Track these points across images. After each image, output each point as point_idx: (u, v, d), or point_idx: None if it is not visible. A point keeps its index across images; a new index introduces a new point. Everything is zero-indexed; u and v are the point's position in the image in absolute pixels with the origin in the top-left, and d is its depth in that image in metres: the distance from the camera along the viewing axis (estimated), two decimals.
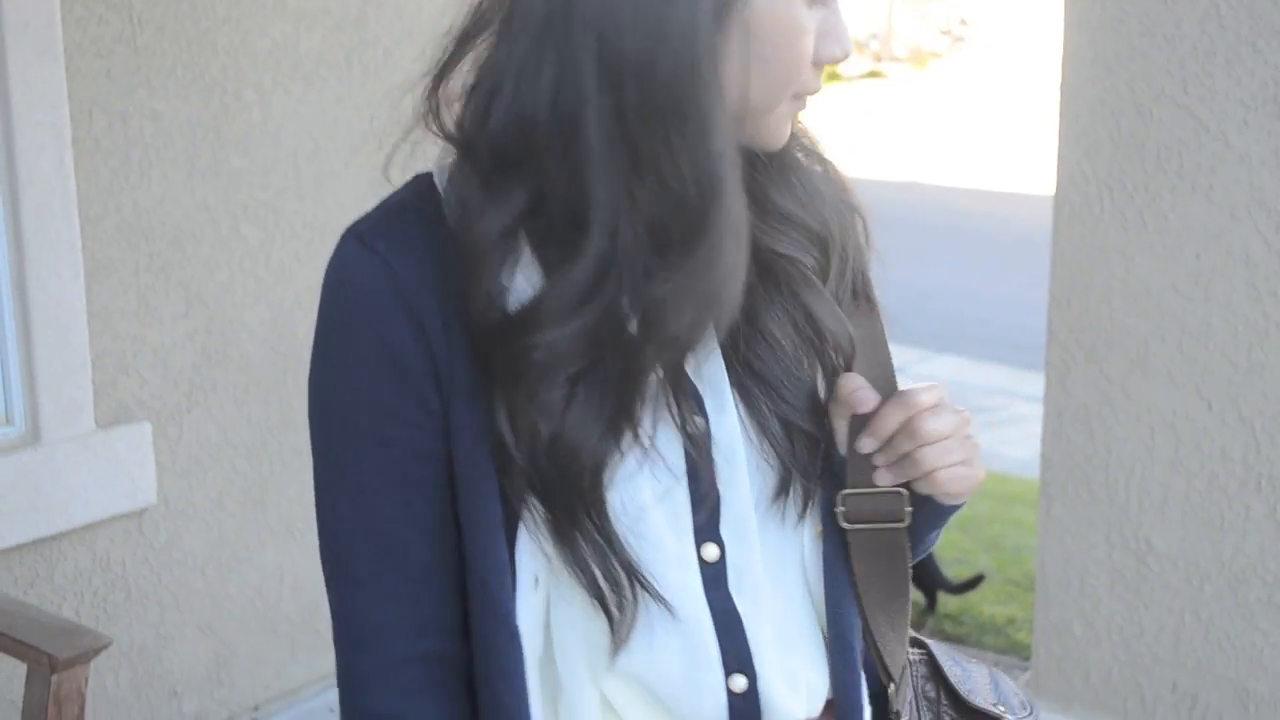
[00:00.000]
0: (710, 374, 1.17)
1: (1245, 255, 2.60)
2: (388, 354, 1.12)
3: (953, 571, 4.74)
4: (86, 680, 2.31)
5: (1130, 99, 2.69)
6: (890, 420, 1.15)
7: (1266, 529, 2.63)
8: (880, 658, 1.23)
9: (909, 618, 1.25)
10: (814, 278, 1.18)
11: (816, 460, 1.18)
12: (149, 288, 3.23)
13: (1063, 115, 2.79)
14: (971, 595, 4.76)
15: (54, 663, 2.25)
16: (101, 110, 3.09)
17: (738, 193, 1.07)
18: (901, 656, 1.24)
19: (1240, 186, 2.60)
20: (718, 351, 1.16)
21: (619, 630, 1.13)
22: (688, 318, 1.09)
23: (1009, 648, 4.51)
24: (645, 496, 1.13)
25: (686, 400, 1.15)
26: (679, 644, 1.15)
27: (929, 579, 4.69)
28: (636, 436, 1.12)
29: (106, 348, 3.16)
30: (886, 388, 1.19)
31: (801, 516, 1.18)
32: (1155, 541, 2.74)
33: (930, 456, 1.15)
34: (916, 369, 8.13)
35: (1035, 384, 5.84)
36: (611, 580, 1.12)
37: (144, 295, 3.22)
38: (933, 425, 1.14)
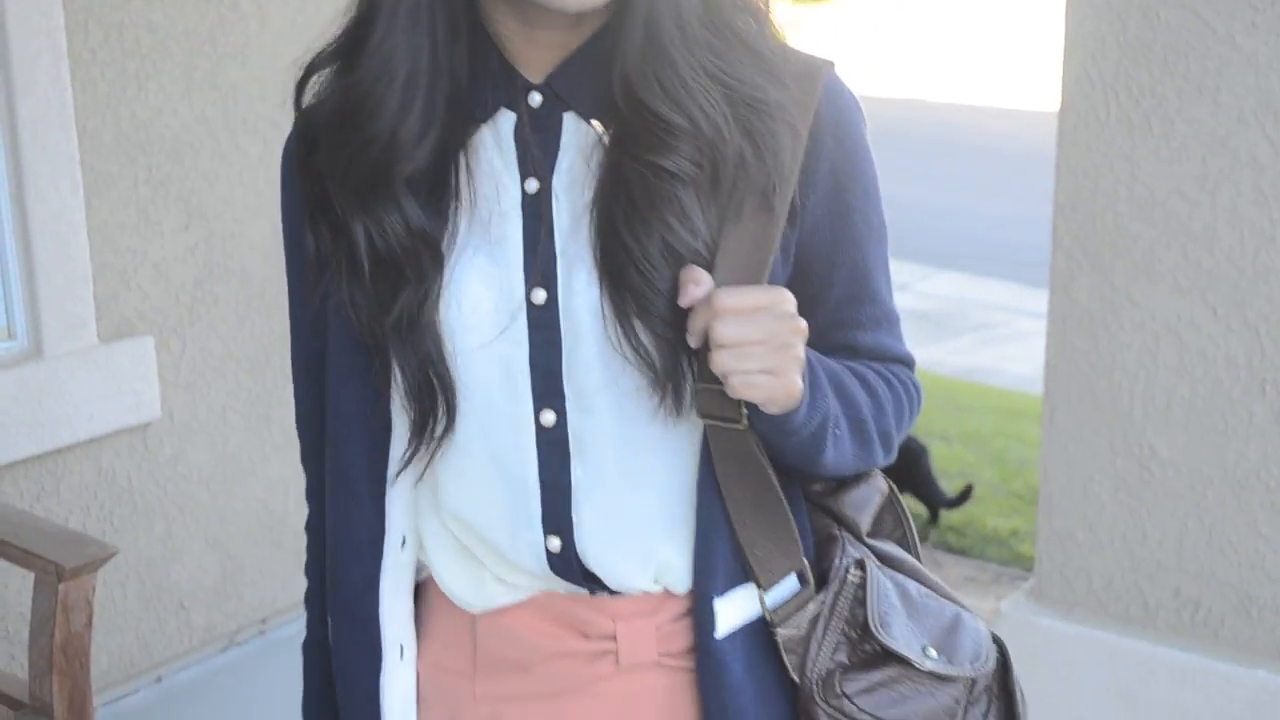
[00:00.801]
0: (571, 251, 1.20)
1: (1252, 159, 2.58)
2: (286, 219, 1.37)
3: (954, 486, 4.76)
4: (93, 589, 2.31)
5: (1136, 2, 2.66)
6: (700, 318, 1.14)
7: (1270, 434, 2.63)
8: (746, 560, 1.23)
9: (791, 530, 1.24)
10: (681, 191, 1.16)
11: (678, 358, 1.18)
12: (148, 201, 3.21)
13: (1068, 19, 2.76)
14: (974, 508, 4.78)
15: (60, 572, 2.26)
16: (97, 22, 3.06)
17: None
18: (782, 566, 1.24)
19: (1248, 89, 2.57)
20: (583, 236, 1.19)
21: (422, 453, 1.23)
22: None
23: (1012, 559, 4.53)
24: (470, 339, 1.21)
25: (536, 259, 1.20)
26: (504, 500, 1.23)
27: (929, 494, 4.72)
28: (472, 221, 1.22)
29: (107, 261, 3.15)
30: (752, 280, 1.17)
31: (679, 411, 1.20)
32: (1159, 448, 2.74)
33: (720, 359, 1.13)
34: (919, 286, 8.11)
35: (1038, 300, 5.83)
36: (426, 403, 1.21)
37: (144, 209, 3.20)
38: (728, 329, 1.12)
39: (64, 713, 2.29)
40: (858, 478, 1.33)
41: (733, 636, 1.24)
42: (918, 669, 1.23)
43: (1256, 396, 2.64)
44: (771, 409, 1.16)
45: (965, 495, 4.68)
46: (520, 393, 1.21)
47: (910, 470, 4.69)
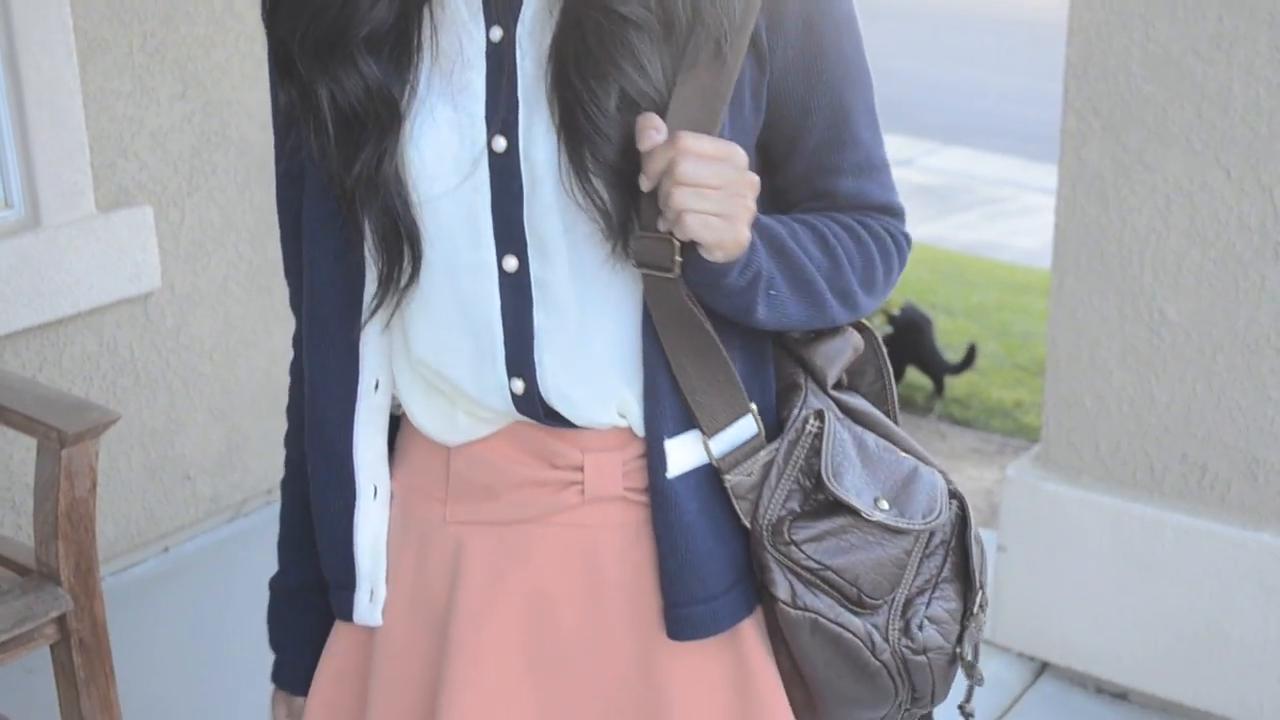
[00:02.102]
0: (532, 99, 1.21)
1: (1269, 16, 2.52)
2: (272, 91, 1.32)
3: (959, 358, 4.75)
4: (96, 455, 2.31)
5: None
6: (659, 159, 1.14)
7: None
8: (688, 406, 1.25)
9: (732, 377, 1.25)
10: (635, 37, 1.17)
11: (629, 207, 1.19)
12: (144, 68, 3.16)
13: None
14: (979, 380, 4.78)
15: (63, 437, 2.25)
16: None
17: None
18: (725, 413, 1.25)
19: None
20: (544, 84, 1.20)
21: (389, 301, 1.26)
22: None
23: (1016, 430, 4.54)
24: (435, 187, 1.23)
25: (499, 107, 1.21)
26: (469, 344, 1.26)
27: (933, 365, 4.71)
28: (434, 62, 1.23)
29: (104, 130, 3.11)
30: (705, 128, 1.17)
31: (629, 257, 1.21)
32: (1168, 312, 2.71)
33: (679, 196, 1.14)
34: (924, 161, 8.04)
35: (1045, 175, 5.76)
36: (392, 253, 1.24)
37: (139, 76, 3.15)
38: (689, 168, 1.13)
39: (70, 578, 2.30)
40: (832, 331, 1.34)
41: (685, 478, 1.26)
42: (866, 519, 1.25)
43: (1269, 260, 2.61)
44: (717, 255, 1.17)
45: (969, 359, 4.67)
46: (483, 239, 1.24)
47: (915, 342, 4.69)
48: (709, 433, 1.25)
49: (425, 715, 1.33)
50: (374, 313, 1.27)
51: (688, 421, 1.25)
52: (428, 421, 1.32)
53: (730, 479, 1.25)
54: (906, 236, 1.35)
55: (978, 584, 1.33)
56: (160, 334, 3.29)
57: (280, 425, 3.70)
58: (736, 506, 1.26)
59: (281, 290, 3.53)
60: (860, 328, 1.38)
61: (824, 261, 1.26)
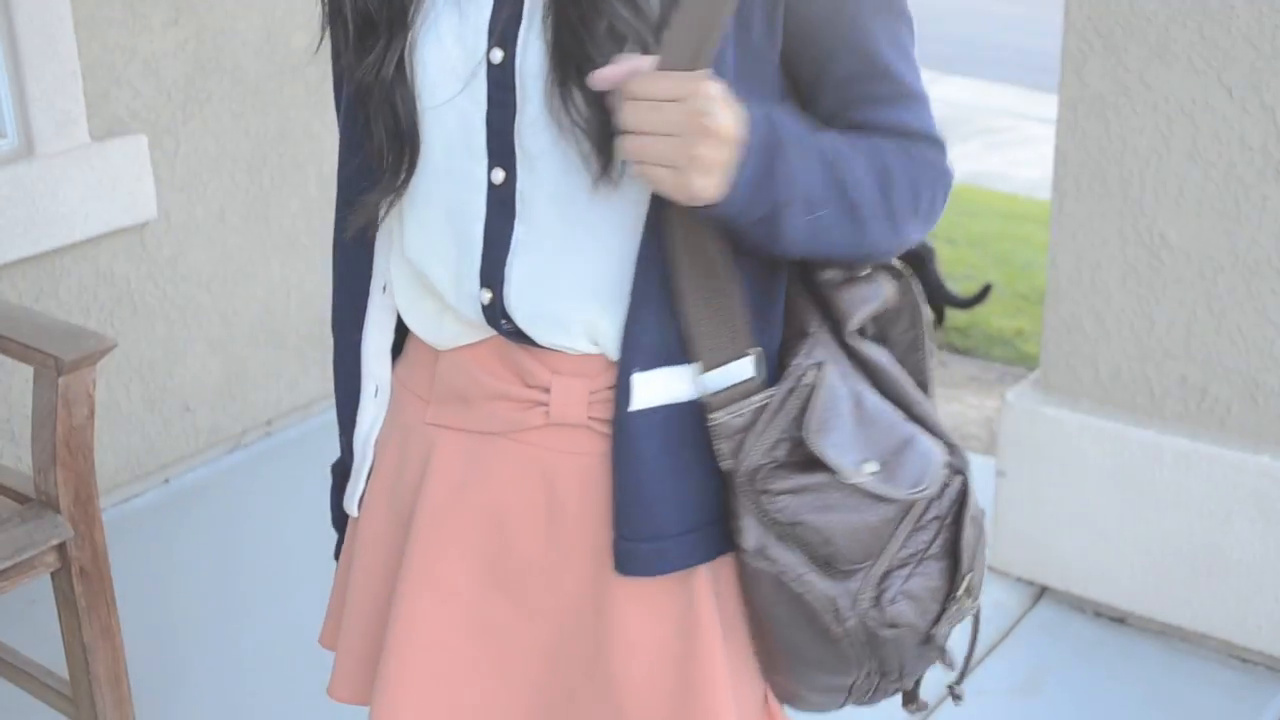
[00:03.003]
0: (533, 13, 1.21)
1: None
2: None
3: (961, 287, 4.73)
4: (94, 383, 2.30)
5: None
6: (617, 101, 1.14)
7: None
8: (688, 337, 1.23)
9: (742, 314, 1.23)
10: None
11: (612, 132, 1.17)
12: None
13: None
14: (979, 308, 4.77)
15: (60, 365, 2.24)
16: None
17: None
18: (727, 350, 1.22)
19: None
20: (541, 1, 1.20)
21: (385, 202, 1.29)
22: None
23: (1016, 359, 4.53)
24: (438, 94, 1.25)
25: (500, 19, 1.22)
26: (451, 252, 1.28)
27: (936, 295, 4.69)
28: None
29: (96, 58, 3.08)
30: (689, 64, 1.13)
31: (613, 183, 1.20)
32: (1169, 234, 2.70)
33: (627, 144, 1.13)
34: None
35: (1046, 106, 5.71)
36: (391, 155, 1.27)
37: (131, 3, 3.12)
38: (627, 115, 1.12)
39: (69, 505, 2.30)
40: (867, 277, 1.29)
41: (649, 414, 1.24)
42: (844, 481, 1.21)
43: (1271, 181, 2.59)
44: (682, 199, 1.14)
45: (981, 296, 4.64)
46: (476, 150, 1.25)
47: (917, 273, 4.66)
48: (706, 367, 1.23)
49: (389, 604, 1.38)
50: (372, 208, 1.30)
51: (667, 357, 1.23)
52: (418, 322, 1.35)
53: (717, 417, 1.22)
54: (947, 171, 1.29)
55: (966, 567, 1.28)
56: (157, 264, 3.28)
57: (278, 356, 3.70)
58: (716, 448, 1.23)
59: (278, 221, 3.52)
60: (896, 274, 1.32)
61: (869, 181, 1.21)
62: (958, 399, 4.17)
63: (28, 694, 2.56)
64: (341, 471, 1.50)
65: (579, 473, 1.28)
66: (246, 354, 3.52)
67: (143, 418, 3.33)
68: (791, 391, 1.23)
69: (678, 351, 1.23)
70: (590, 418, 1.27)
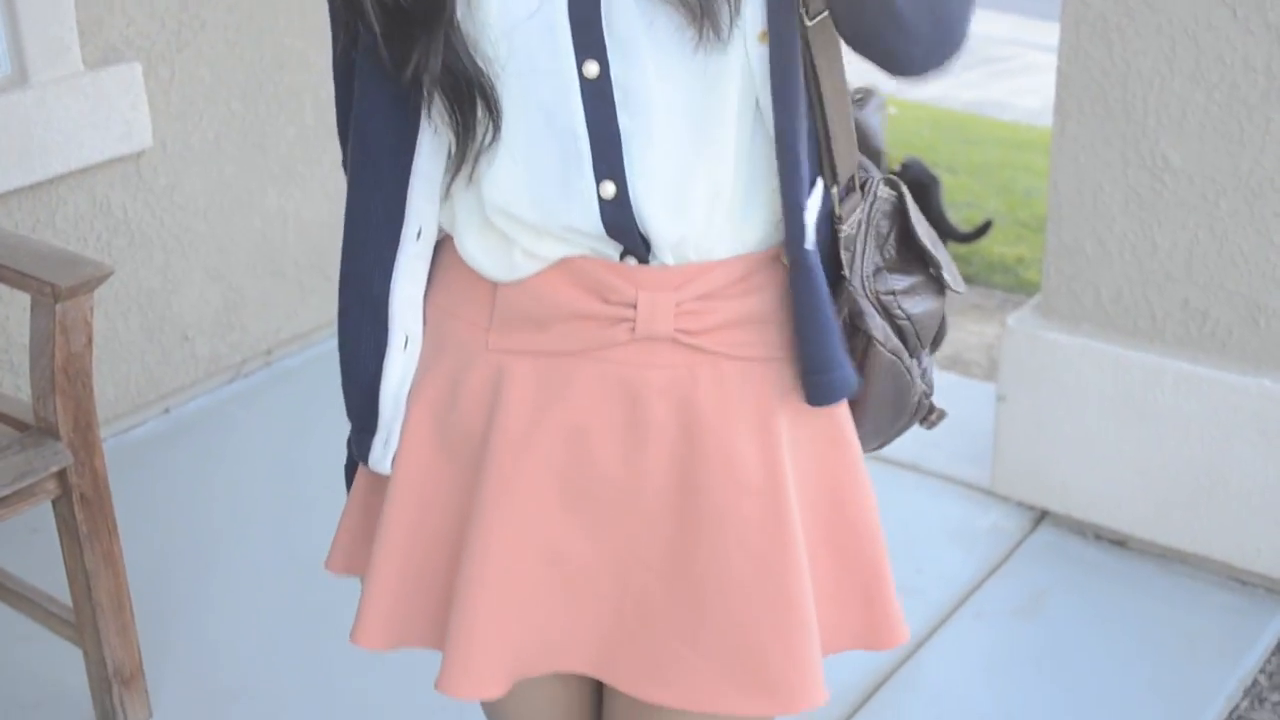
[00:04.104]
0: None
1: None
2: None
3: (962, 215, 4.71)
4: (91, 310, 2.29)
5: None
6: None
7: None
8: (831, 159, 1.27)
9: (854, 132, 1.30)
10: None
11: None
12: None
13: None
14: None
15: (57, 292, 2.23)
16: None
17: None
18: (848, 164, 1.30)
19: None
20: None
21: (467, 146, 1.23)
22: None
23: (1016, 286, 4.52)
24: (517, 12, 1.19)
25: None
26: (554, 158, 1.24)
27: (937, 226, 4.66)
28: None
29: None
30: None
31: (720, 38, 1.18)
32: (1171, 157, 2.68)
33: None
34: None
35: (1048, 34, 5.66)
36: (460, 97, 1.21)
37: None
38: None
39: (69, 433, 2.30)
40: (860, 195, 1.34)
41: (815, 248, 1.27)
42: (933, 277, 1.37)
43: (1274, 103, 2.57)
44: None
45: (983, 230, 4.62)
46: (561, 48, 1.20)
47: (919, 201, 4.63)
48: (840, 183, 1.29)
49: (450, 540, 1.33)
50: (455, 174, 1.25)
51: (810, 185, 1.27)
52: (484, 260, 1.29)
53: (845, 229, 1.30)
54: None
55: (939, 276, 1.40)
56: (153, 193, 3.26)
57: (277, 285, 3.69)
58: (844, 256, 1.31)
59: (274, 150, 3.50)
60: (893, 185, 1.39)
61: None
62: (958, 326, 4.16)
63: (32, 621, 2.57)
64: (360, 427, 1.44)
65: (663, 386, 1.27)
66: (245, 283, 3.51)
67: (142, 347, 3.32)
68: (873, 204, 1.33)
69: (814, 176, 1.28)
70: (677, 329, 1.26)
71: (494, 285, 1.30)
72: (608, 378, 1.27)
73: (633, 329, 1.26)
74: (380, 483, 1.40)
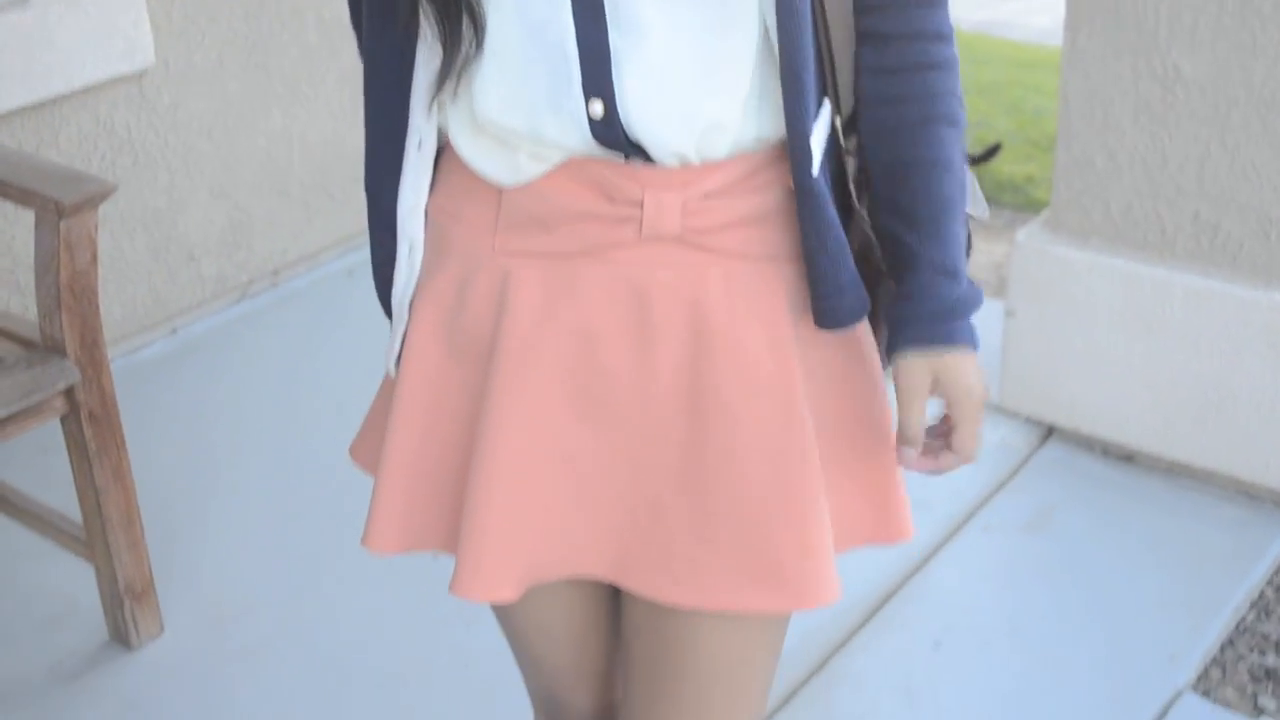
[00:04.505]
0: None
1: None
2: None
3: (972, 135, 4.67)
4: (95, 227, 2.28)
5: None
6: None
7: None
8: (835, 88, 1.26)
9: (851, 59, 1.28)
10: None
11: None
12: None
13: None
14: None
15: (61, 208, 2.23)
16: None
17: None
18: (846, 96, 1.28)
19: None
20: None
21: (453, 57, 1.22)
22: None
23: (1026, 205, 4.50)
24: None
25: None
26: (543, 75, 1.21)
27: None
28: None
29: None
30: None
31: None
32: (1184, 68, 2.65)
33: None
34: None
35: None
36: (446, 7, 1.19)
37: None
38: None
39: (76, 350, 2.30)
40: None
41: (819, 175, 1.26)
42: None
43: None
44: None
45: (991, 153, 4.59)
46: None
47: None
48: (835, 112, 1.27)
49: (460, 444, 1.33)
50: (440, 88, 1.24)
51: (816, 111, 1.25)
52: (487, 166, 1.28)
53: (851, 160, 1.29)
54: (955, 59, 1.33)
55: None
56: (157, 112, 3.24)
57: (282, 205, 3.68)
58: (851, 188, 1.29)
59: (278, 69, 3.48)
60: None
61: (957, 166, 1.31)
62: None
63: (44, 539, 2.59)
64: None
65: (671, 286, 1.26)
66: (250, 203, 3.50)
67: (148, 268, 3.32)
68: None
69: (818, 103, 1.25)
70: (684, 228, 1.25)
71: (499, 189, 1.29)
72: (615, 279, 1.26)
73: (639, 229, 1.25)
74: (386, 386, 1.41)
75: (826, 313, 1.28)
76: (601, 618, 1.48)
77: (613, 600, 1.47)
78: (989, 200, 4.34)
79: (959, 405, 1.30)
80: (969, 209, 1.35)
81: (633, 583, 1.32)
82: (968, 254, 1.39)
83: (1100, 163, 2.79)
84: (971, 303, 1.30)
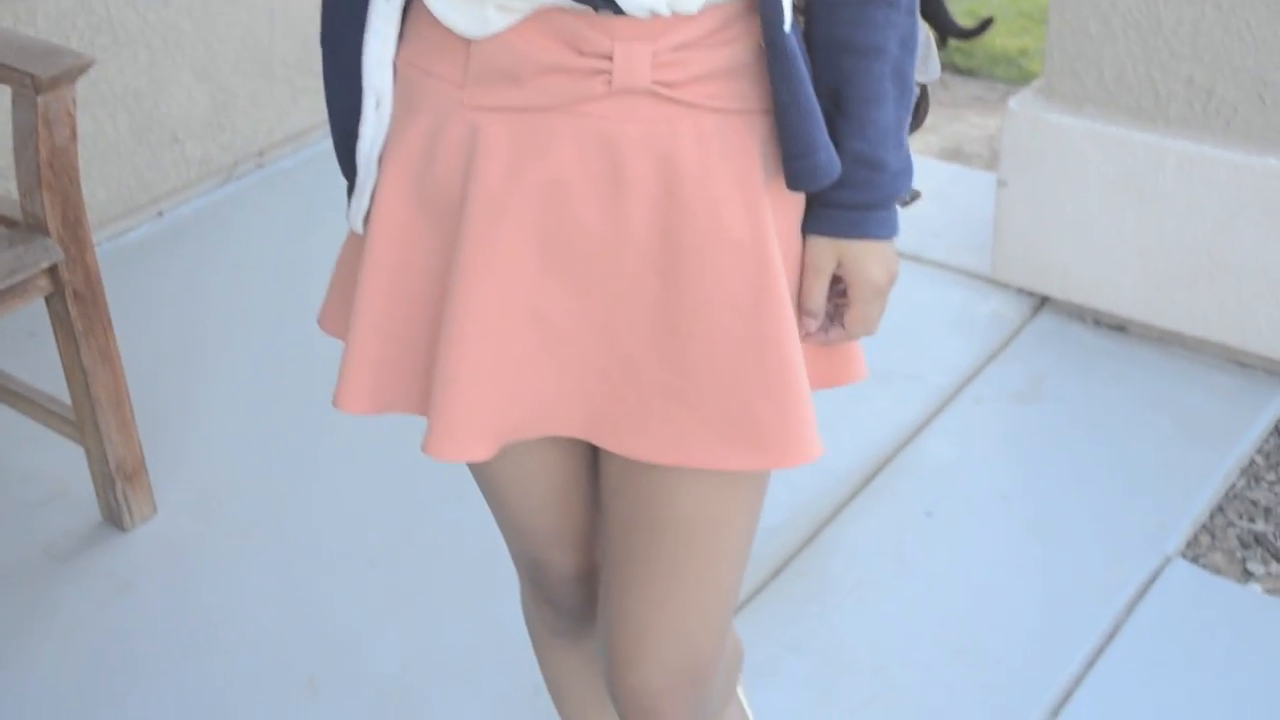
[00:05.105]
0: None
1: None
2: None
3: (964, 8, 4.61)
4: (74, 102, 2.25)
5: None
6: None
7: None
8: None
9: None
10: None
11: None
12: None
13: None
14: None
15: (38, 83, 2.19)
16: None
17: None
18: None
19: None
20: None
21: None
22: None
23: (1020, 77, 4.45)
24: None
25: None
26: None
27: (938, 22, 4.57)
28: None
29: None
30: None
31: None
32: None
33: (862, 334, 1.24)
34: None
35: None
36: None
37: None
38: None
39: (58, 228, 2.27)
40: None
41: (790, 31, 1.23)
42: None
43: None
44: None
45: (984, 27, 4.52)
46: None
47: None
48: None
49: (431, 303, 1.31)
50: None
51: None
52: (454, 18, 1.25)
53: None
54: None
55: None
56: None
57: (266, 85, 3.63)
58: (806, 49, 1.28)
59: None
60: None
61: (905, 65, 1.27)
62: (960, 118, 4.10)
63: (34, 422, 2.58)
64: (350, 187, 1.42)
65: (642, 140, 1.24)
66: (234, 83, 3.45)
67: (131, 149, 3.28)
68: None
69: None
70: (655, 81, 1.23)
71: (467, 42, 1.26)
72: (586, 133, 1.24)
73: (609, 81, 1.22)
74: (354, 243, 1.39)
75: (799, 173, 1.26)
76: (581, 479, 1.47)
77: (593, 462, 1.47)
78: (983, 74, 4.27)
79: (855, 289, 1.31)
80: (918, 76, 1.33)
81: (608, 441, 1.32)
82: (916, 125, 1.38)
83: (1093, 27, 2.75)
84: (892, 194, 1.29)
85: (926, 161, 3.56)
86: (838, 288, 1.33)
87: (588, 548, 1.53)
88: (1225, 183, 2.68)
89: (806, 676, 2.18)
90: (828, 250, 1.30)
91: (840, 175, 1.26)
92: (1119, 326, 2.92)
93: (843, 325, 1.33)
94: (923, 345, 2.89)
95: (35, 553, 2.49)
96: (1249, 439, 2.64)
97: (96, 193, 3.18)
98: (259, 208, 3.46)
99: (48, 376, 2.60)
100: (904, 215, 1.35)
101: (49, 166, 2.23)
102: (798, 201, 1.31)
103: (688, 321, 1.26)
